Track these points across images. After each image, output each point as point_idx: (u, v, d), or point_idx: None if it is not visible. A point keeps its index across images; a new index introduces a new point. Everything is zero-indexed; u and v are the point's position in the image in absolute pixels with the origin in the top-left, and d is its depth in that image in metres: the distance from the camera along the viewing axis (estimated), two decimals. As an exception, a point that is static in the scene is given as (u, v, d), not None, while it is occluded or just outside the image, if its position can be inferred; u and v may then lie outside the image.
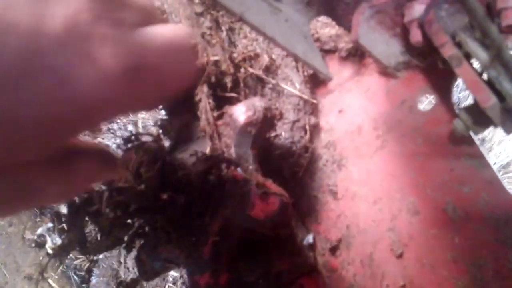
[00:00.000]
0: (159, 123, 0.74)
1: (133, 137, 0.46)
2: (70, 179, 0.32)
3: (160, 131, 0.71)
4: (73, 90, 0.21)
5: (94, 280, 1.75)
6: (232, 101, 0.62)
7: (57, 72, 0.20)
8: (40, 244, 1.80)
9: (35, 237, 1.82)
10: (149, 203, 0.51)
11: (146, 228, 0.56)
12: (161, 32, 0.28)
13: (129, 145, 0.46)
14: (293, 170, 0.70)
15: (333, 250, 0.63)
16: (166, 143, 0.70)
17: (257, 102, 0.53)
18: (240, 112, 0.53)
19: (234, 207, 0.51)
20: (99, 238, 0.53)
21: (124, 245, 0.56)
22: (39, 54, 0.19)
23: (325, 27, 0.68)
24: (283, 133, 0.70)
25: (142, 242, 0.57)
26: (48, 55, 0.20)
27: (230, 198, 0.52)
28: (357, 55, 0.68)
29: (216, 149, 0.56)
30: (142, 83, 0.26)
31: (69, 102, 0.21)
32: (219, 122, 0.59)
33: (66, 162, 0.31)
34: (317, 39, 0.69)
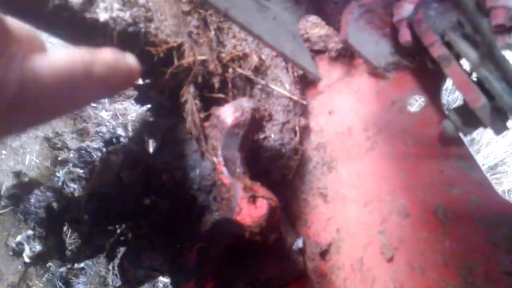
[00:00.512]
0: (145, 125, 0.72)
1: (114, 139, 0.44)
2: None
3: (146, 133, 0.69)
4: None
5: (81, 287, 1.70)
6: (220, 102, 0.61)
7: None
8: (18, 253, 1.73)
9: (14, 245, 1.75)
10: (131, 208, 0.49)
11: (129, 235, 0.54)
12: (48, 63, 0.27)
13: (109, 148, 0.44)
14: (282, 172, 0.68)
15: (323, 254, 0.61)
16: (153, 146, 0.68)
17: (245, 103, 0.51)
18: (228, 113, 0.52)
19: (220, 211, 0.49)
20: (79, 246, 0.51)
21: (105, 253, 0.53)
22: None
23: (315, 27, 0.67)
24: (272, 135, 0.68)
25: (125, 250, 0.55)
26: None
27: (216, 202, 0.50)
28: (347, 56, 0.67)
29: (203, 151, 0.55)
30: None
31: None
32: (206, 124, 0.57)
33: None
34: (307, 39, 0.68)
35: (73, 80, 0.27)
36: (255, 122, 0.54)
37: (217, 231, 0.48)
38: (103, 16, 0.54)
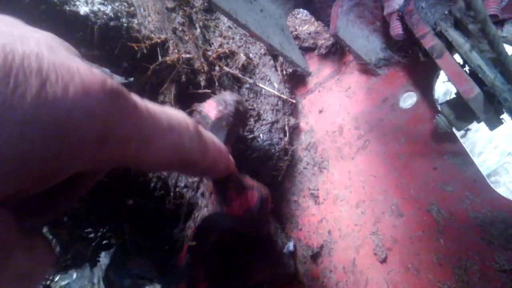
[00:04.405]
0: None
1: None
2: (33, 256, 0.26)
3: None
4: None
5: (65, 301, 1.62)
6: (202, 98, 0.58)
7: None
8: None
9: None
10: (113, 210, 0.46)
11: (112, 240, 0.51)
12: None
13: None
14: (271, 174, 0.66)
15: (315, 257, 0.59)
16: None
17: (228, 96, 0.49)
18: (210, 108, 0.50)
19: (210, 206, 0.46)
20: (59, 252, 0.47)
21: (87, 258, 0.50)
22: None
23: (304, 24, 0.66)
24: (261, 135, 0.66)
25: (109, 261, 0.52)
26: None
27: (204, 198, 0.48)
28: (337, 53, 0.66)
29: None
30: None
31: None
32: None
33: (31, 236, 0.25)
34: (296, 37, 0.67)
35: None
36: (240, 115, 0.51)
37: (208, 227, 0.45)
38: (83, 10, 0.52)
